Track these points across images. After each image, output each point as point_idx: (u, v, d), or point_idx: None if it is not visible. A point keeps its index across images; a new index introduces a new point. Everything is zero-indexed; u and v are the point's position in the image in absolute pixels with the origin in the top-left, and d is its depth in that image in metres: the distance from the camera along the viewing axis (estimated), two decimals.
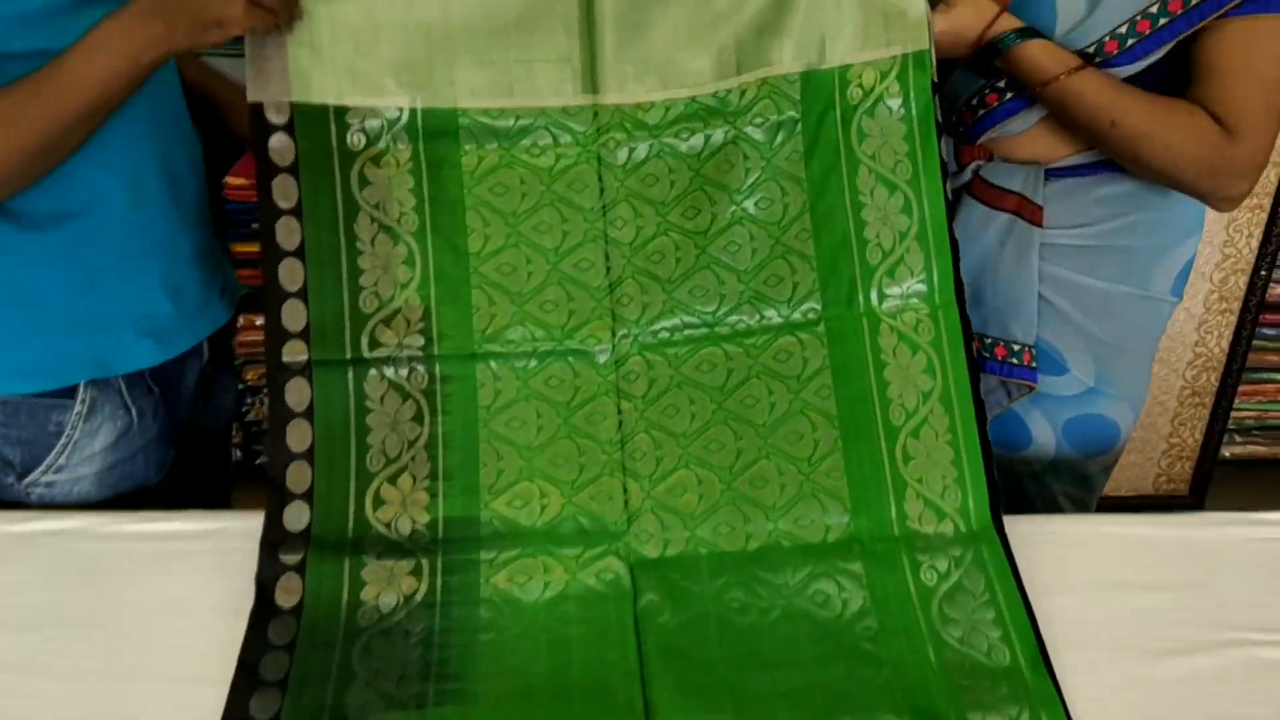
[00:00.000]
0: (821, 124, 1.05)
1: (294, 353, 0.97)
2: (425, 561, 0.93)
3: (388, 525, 0.95)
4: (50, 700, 0.82)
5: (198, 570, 0.96)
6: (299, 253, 0.98)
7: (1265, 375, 2.14)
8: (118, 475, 1.12)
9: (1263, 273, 1.95)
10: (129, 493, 1.13)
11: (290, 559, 0.92)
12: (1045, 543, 1.01)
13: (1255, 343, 2.03)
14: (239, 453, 2.23)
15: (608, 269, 1.05)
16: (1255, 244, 1.93)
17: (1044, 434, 1.21)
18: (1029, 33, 1.05)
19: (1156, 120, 1.03)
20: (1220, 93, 1.00)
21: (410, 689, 0.83)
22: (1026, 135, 1.13)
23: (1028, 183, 1.13)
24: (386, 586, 0.91)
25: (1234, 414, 2.10)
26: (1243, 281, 1.96)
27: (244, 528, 0.99)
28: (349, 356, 0.99)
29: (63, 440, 1.07)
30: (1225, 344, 1.96)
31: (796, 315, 1.04)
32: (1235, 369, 1.97)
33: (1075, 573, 0.98)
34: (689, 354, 1.04)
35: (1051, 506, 1.25)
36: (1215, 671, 0.88)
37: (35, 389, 1.04)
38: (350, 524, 0.95)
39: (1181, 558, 1.00)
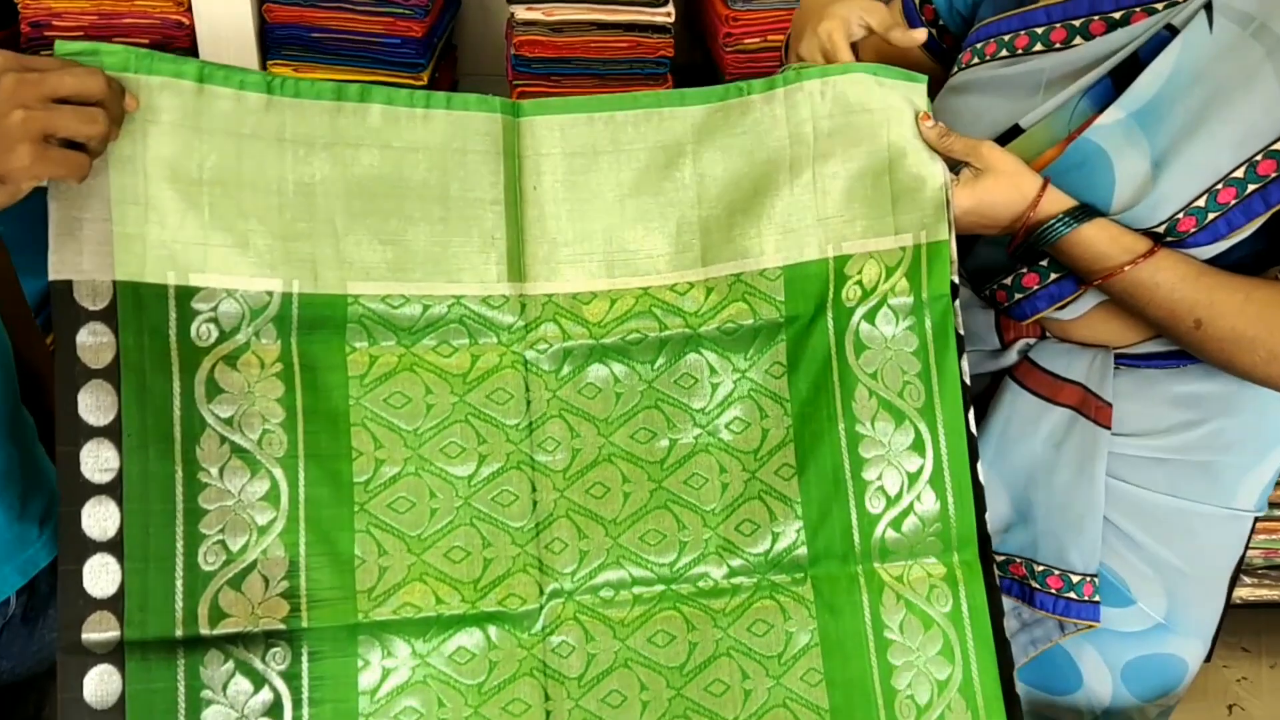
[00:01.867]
0: (810, 331, 0.84)
1: (99, 628, 0.72)
2: None
3: None
4: None
5: None
6: (113, 489, 0.73)
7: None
8: None
9: None
10: None
11: None
12: None
13: None
14: None
15: (534, 504, 0.83)
16: None
17: (1099, 679, 0.99)
18: (1084, 213, 0.82)
19: (1257, 320, 0.80)
20: None
21: None
22: (1085, 319, 0.90)
23: (1093, 371, 0.91)
24: None
25: (1247, 553, 1.91)
26: None
27: None
28: (179, 635, 0.75)
29: None
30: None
31: (777, 574, 0.83)
32: None
33: None
34: (639, 620, 0.83)
35: None
36: None
37: None
38: None
39: None
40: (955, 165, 0.84)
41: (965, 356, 0.85)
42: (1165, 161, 0.80)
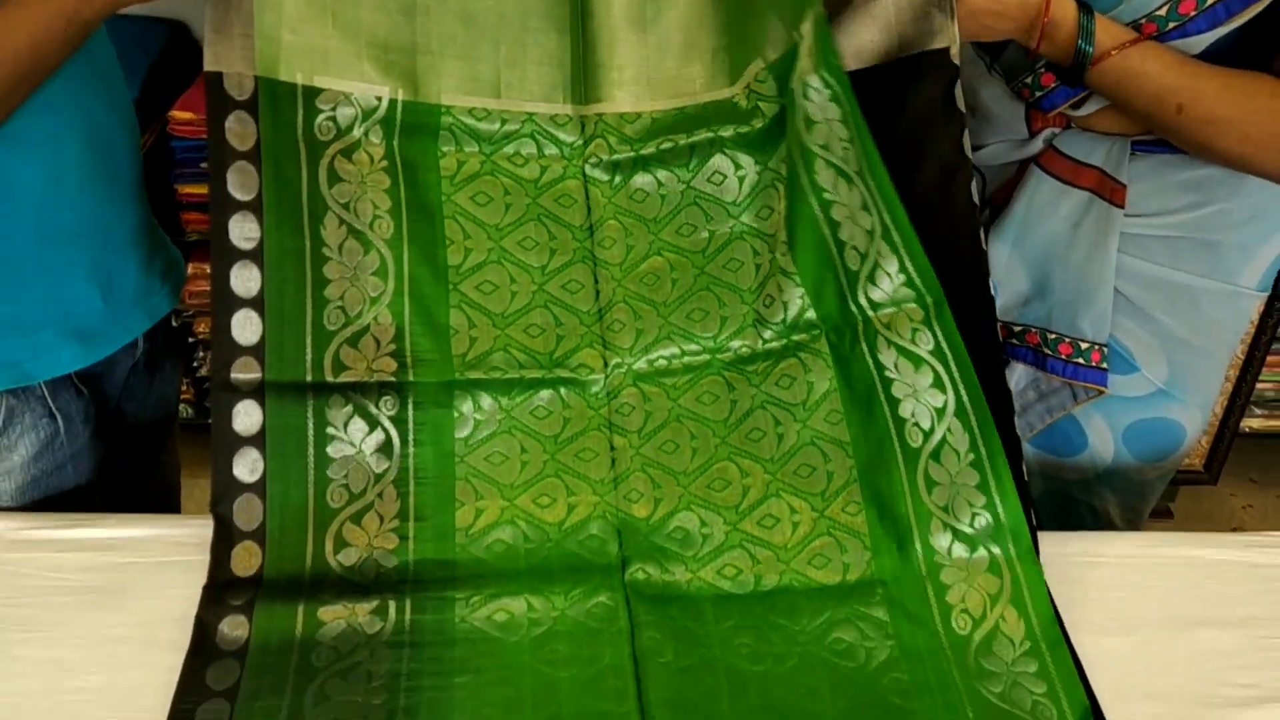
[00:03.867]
0: (783, 117, 0.92)
1: (245, 370, 0.84)
2: (392, 601, 0.80)
3: (350, 569, 0.82)
4: None
5: (128, 589, 0.83)
6: (255, 255, 0.84)
7: None
8: (42, 489, 0.97)
9: None
10: (58, 497, 0.99)
11: (236, 600, 0.79)
12: (1096, 567, 0.90)
13: None
14: (190, 409, 2.08)
15: (597, 293, 0.93)
16: None
17: (1102, 440, 1.08)
18: (1089, 13, 0.88)
19: (1233, 104, 0.86)
20: None
21: None
22: (1102, 113, 0.97)
23: (1110, 156, 0.98)
24: (347, 625, 0.78)
25: (1257, 386, 1.99)
26: None
27: (187, 535, 0.86)
28: (309, 379, 0.85)
29: None
30: (1257, 316, 1.84)
31: (798, 335, 0.93)
32: (1265, 341, 1.86)
33: (1137, 607, 0.86)
34: (689, 384, 0.93)
35: (1100, 518, 1.13)
36: None
37: None
38: (308, 567, 0.82)
39: (1255, 587, 0.89)
40: None
41: (1010, 103, 0.91)
42: None
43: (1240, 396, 1.94)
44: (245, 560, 0.81)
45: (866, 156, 0.84)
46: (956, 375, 0.85)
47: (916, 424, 0.86)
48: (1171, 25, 0.86)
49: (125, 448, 1.11)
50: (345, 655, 0.76)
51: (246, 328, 0.84)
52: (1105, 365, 1.02)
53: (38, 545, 0.86)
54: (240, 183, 0.84)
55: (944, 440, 0.85)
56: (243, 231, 0.84)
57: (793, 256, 0.93)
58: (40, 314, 0.91)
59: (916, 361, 0.86)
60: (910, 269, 0.86)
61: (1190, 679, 0.81)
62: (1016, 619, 0.81)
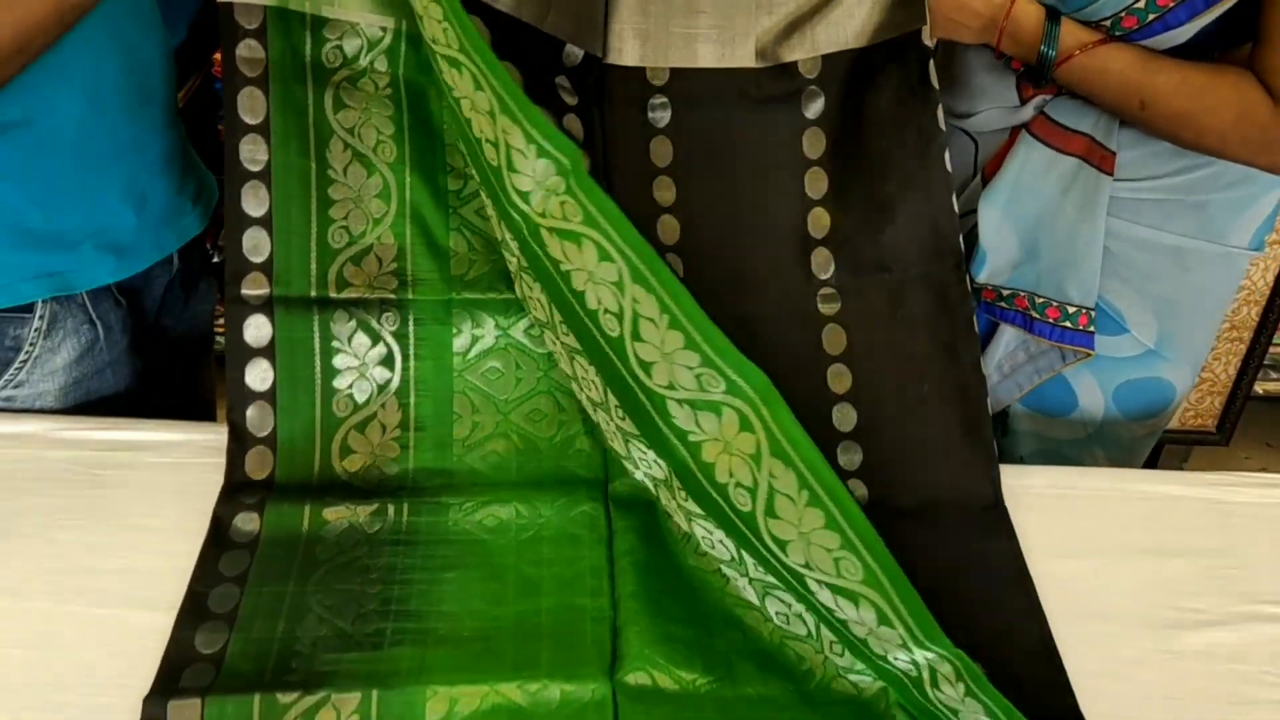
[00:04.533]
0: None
1: (254, 285, 0.90)
2: (391, 504, 0.87)
3: (354, 474, 0.89)
4: None
5: (157, 486, 0.90)
6: (264, 175, 0.90)
7: None
8: (83, 391, 1.05)
9: None
10: (97, 403, 1.07)
11: (249, 499, 0.86)
12: (1066, 499, 0.94)
13: None
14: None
15: None
16: None
17: (1092, 399, 1.10)
18: (1054, 16, 0.91)
19: (1190, 99, 0.88)
20: (1273, 58, 0.85)
21: (367, 626, 0.78)
22: None
23: (1100, 124, 0.99)
24: (349, 524, 0.85)
25: (1271, 349, 2.00)
26: None
27: (212, 441, 0.93)
28: (313, 295, 0.91)
29: (21, 356, 0.99)
30: (1270, 278, 1.84)
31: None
32: (1278, 304, 1.86)
33: (1098, 534, 0.91)
34: None
35: None
36: (1237, 648, 0.82)
37: None
38: (315, 472, 0.89)
39: (1213, 521, 0.93)
40: None
41: (940, 108, 0.92)
42: None
43: (1254, 359, 1.94)
44: (258, 464, 0.88)
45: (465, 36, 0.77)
46: (617, 239, 0.72)
47: (606, 309, 0.74)
48: (1151, 17, 0.88)
49: (164, 362, 1.19)
50: (346, 550, 0.83)
51: (256, 245, 0.90)
52: (1092, 329, 1.04)
53: (78, 444, 0.93)
54: (249, 106, 0.89)
55: (636, 314, 0.73)
56: (252, 153, 0.90)
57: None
58: (79, 230, 0.98)
59: (577, 239, 0.74)
60: (537, 137, 0.74)
61: (1140, 603, 0.85)
62: (785, 470, 0.69)
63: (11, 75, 0.84)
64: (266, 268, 0.90)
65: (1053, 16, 0.92)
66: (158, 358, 1.16)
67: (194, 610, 0.77)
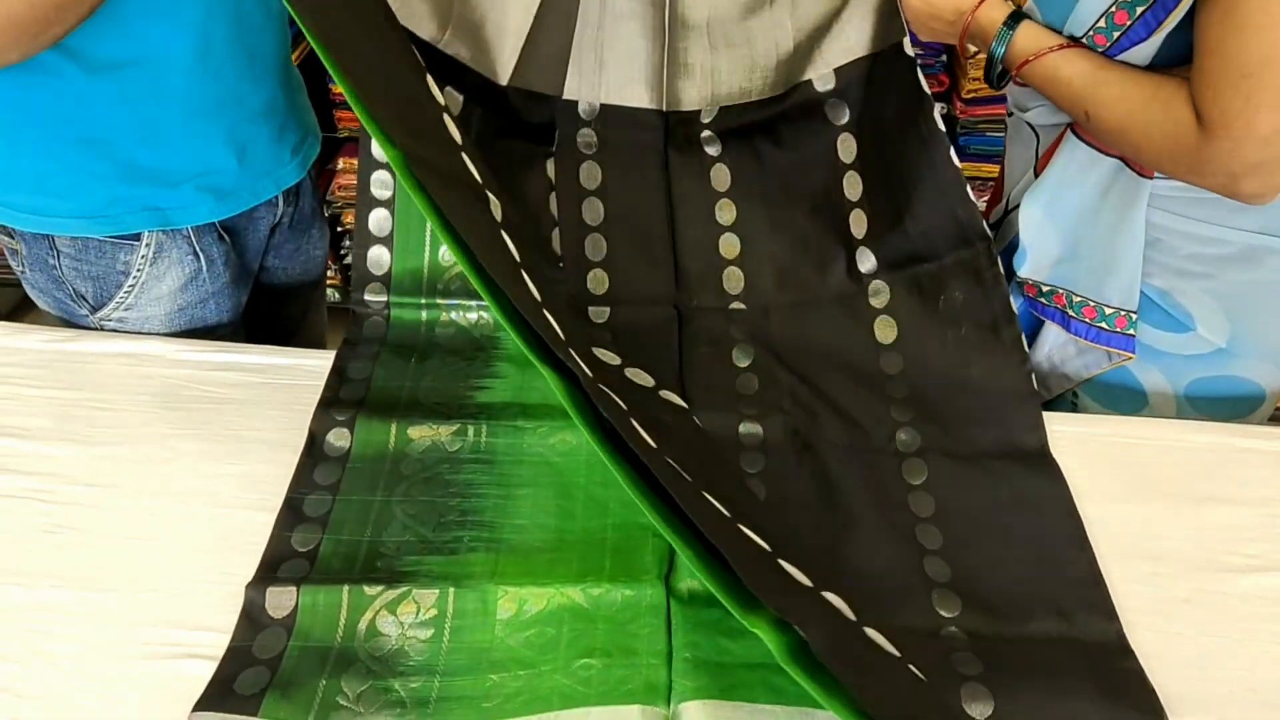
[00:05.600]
0: None
1: (375, 293, 1.06)
2: (471, 426, 0.94)
3: (439, 404, 0.97)
4: (111, 515, 0.87)
5: (264, 403, 0.99)
6: (389, 204, 1.06)
7: None
8: (187, 318, 1.15)
9: None
10: (202, 331, 1.17)
11: (342, 416, 0.94)
12: (1128, 447, 0.95)
13: None
14: (336, 294, 2.29)
15: None
16: None
17: (1163, 399, 1.05)
18: (1016, 19, 0.94)
19: (1129, 116, 0.86)
20: (1197, 80, 0.80)
21: (446, 534, 0.85)
22: None
23: None
24: (431, 443, 0.92)
25: None
26: None
27: (317, 365, 1.02)
28: (423, 302, 1.07)
29: (130, 280, 1.10)
30: None
31: None
32: None
33: (1149, 481, 0.92)
34: None
35: None
36: None
37: (98, 233, 1.07)
38: (403, 395, 0.98)
39: (1277, 471, 0.92)
40: None
41: (936, 109, 1.01)
42: None
43: None
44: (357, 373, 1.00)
45: None
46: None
47: None
48: (1117, 34, 0.88)
49: (274, 301, 1.28)
50: (429, 466, 0.90)
51: (378, 261, 1.06)
52: (1132, 331, 1.01)
53: (194, 365, 1.03)
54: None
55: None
56: (381, 185, 1.05)
57: None
58: (182, 171, 1.07)
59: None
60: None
61: (1194, 546, 0.86)
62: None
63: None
64: (385, 280, 1.06)
65: (1014, 19, 0.94)
66: (267, 296, 1.25)
67: (291, 513, 0.86)
